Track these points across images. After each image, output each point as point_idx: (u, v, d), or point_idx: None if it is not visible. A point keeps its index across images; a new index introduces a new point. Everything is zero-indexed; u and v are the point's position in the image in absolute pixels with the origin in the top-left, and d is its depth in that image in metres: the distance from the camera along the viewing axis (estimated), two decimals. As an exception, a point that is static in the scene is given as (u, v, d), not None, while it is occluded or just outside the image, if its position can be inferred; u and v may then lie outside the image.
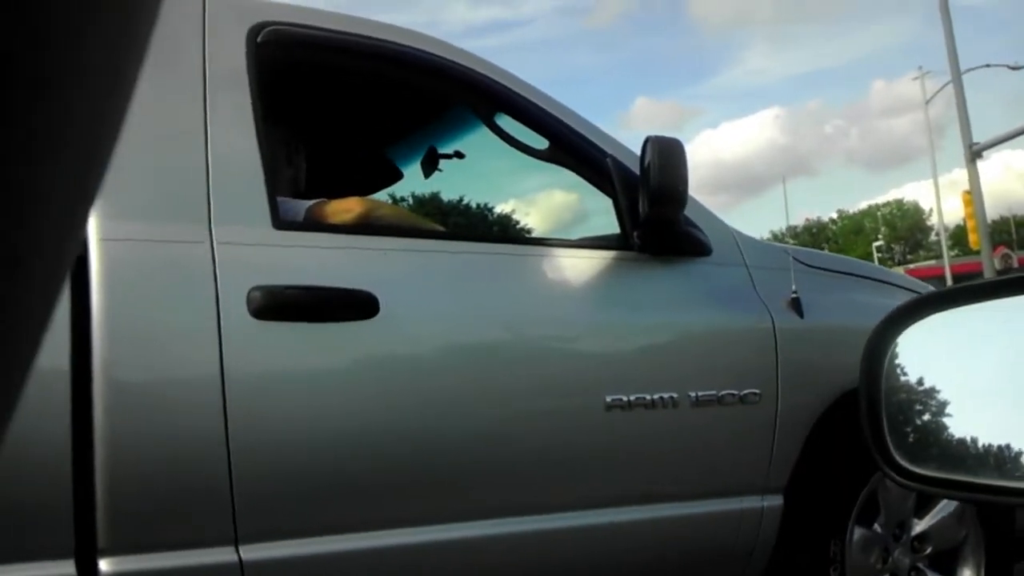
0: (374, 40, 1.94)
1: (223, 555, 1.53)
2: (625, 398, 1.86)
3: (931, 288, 2.75)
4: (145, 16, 0.23)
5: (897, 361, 0.80)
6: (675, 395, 1.91)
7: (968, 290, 0.84)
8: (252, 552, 1.55)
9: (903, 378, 0.81)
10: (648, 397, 1.88)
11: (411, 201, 3.41)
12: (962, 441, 0.76)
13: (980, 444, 0.74)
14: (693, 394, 1.93)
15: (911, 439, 0.79)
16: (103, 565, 1.46)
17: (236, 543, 1.54)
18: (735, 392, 1.98)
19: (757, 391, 2.00)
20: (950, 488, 0.76)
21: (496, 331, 1.84)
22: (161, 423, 1.51)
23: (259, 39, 1.79)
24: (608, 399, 1.84)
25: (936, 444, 0.80)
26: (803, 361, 2.09)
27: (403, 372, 1.72)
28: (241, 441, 1.53)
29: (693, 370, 1.97)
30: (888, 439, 0.77)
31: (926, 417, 0.82)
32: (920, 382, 0.82)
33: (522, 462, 1.80)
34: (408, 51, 1.96)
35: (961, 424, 0.76)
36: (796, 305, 2.10)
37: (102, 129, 0.23)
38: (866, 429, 0.77)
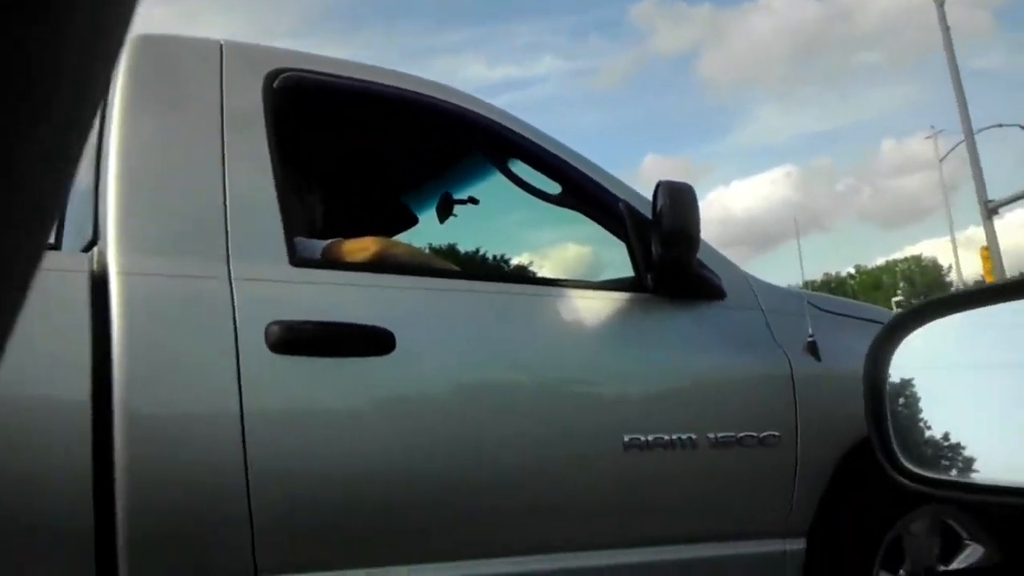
0: (388, 87, 1.99)
1: None
2: (643, 438, 1.84)
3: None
4: (119, 19, 0.22)
5: (901, 365, 0.80)
6: (694, 436, 1.89)
7: (971, 295, 0.83)
8: None
9: (907, 381, 0.81)
10: (666, 437, 1.86)
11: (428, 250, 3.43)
12: (966, 444, 0.75)
13: (985, 446, 0.73)
14: (712, 435, 1.91)
15: (916, 442, 0.78)
16: None
17: (255, 575, 1.54)
18: (754, 434, 1.95)
19: (776, 433, 1.98)
20: (955, 490, 0.74)
21: (512, 370, 1.84)
22: (181, 456, 1.52)
23: (275, 84, 1.84)
24: (626, 439, 1.83)
25: (941, 447, 0.79)
26: (822, 404, 2.06)
27: (418, 408, 1.72)
28: (260, 474, 1.54)
29: (711, 412, 1.96)
30: (893, 442, 0.76)
31: (930, 420, 0.81)
32: (924, 386, 0.81)
33: (538, 501, 1.78)
34: (421, 98, 2.01)
35: (965, 427, 0.75)
36: (813, 348, 2.08)
37: (71, 135, 0.22)
38: (871, 432, 0.77)
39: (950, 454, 0.77)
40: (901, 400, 0.80)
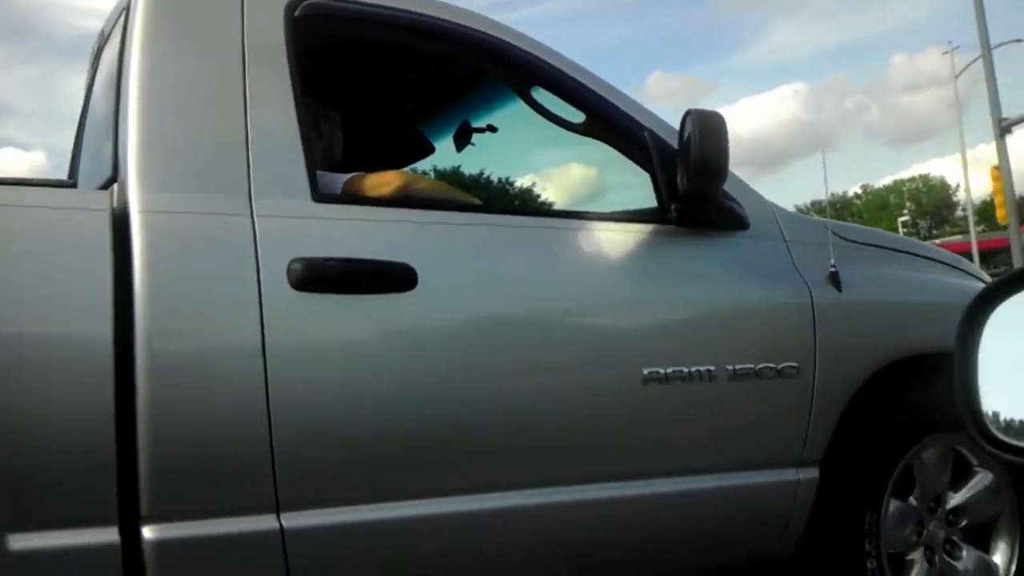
0: (410, 14, 1.93)
1: (265, 522, 1.56)
2: (662, 371, 1.85)
3: (967, 262, 2.72)
4: None
5: (994, 332, 0.79)
6: (712, 368, 1.90)
7: None
8: (293, 520, 1.57)
9: (999, 349, 0.80)
10: (685, 370, 1.88)
11: (432, 174, 3.40)
12: None
13: None
14: (730, 367, 1.92)
15: (1005, 410, 0.78)
16: (146, 532, 1.48)
17: (277, 510, 1.56)
18: (772, 365, 1.97)
19: (795, 364, 1.99)
20: None
21: (533, 304, 1.84)
22: (203, 393, 1.53)
23: (296, 13, 1.79)
24: (645, 372, 1.84)
25: None
26: (841, 335, 2.07)
27: (441, 344, 1.73)
28: (282, 410, 1.55)
29: (730, 343, 1.96)
30: (982, 408, 0.76)
31: (1020, 389, 0.80)
32: (1018, 354, 0.80)
33: (559, 434, 1.80)
34: (444, 24, 1.95)
35: None
36: (834, 279, 2.08)
37: None
38: (960, 403, 0.76)
39: None
40: (991, 369, 0.80)
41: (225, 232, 1.61)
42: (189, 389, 1.52)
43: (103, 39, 2.16)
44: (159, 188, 1.59)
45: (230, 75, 1.70)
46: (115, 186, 1.61)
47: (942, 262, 2.51)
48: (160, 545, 1.49)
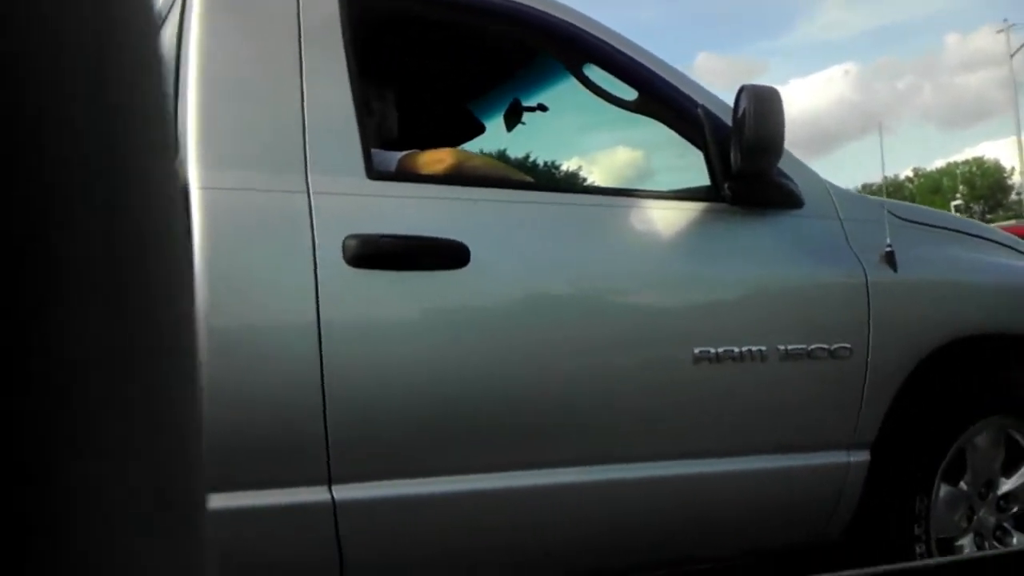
0: None
1: (316, 494, 1.59)
2: (713, 350, 1.85)
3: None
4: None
5: None
6: (764, 348, 1.90)
7: None
8: (345, 492, 1.60)
9: None
10: (736, 350, 1.87)
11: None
12: None
13: None
14: (782, 347, 1.91)
15: None
16: None
17: (329, 483, 1.60)
18: (825, 346, 1.95)
19: (848, 345, 1.97)
20: None
21: (585, 281, 1.85)
22: (259, 368, 1.57)
23: None
24: (696, 351, 1.84)
25: None
26: (896, 316, 2.04)
27: (493, 321, 1.75)
28: (336, 385, 1.58)
29: (783, 323, 1.95)
30: None
31: None
32: None
33: (610, 411, 1.81)
34: (497, 1, 1.96)
35: None
36: (890, 259, 2.05)
37: None
38: None
39: None
40: None
41: (282, 209, 1.64)
42: (246, 364, 1.56)
43: (159, 19, 2.20)
44: (218, 165, 1.62)
45: (286, 53, 1.73)
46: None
47: (1001, 243, 2.45)
48: (214, 515, 1.53)
